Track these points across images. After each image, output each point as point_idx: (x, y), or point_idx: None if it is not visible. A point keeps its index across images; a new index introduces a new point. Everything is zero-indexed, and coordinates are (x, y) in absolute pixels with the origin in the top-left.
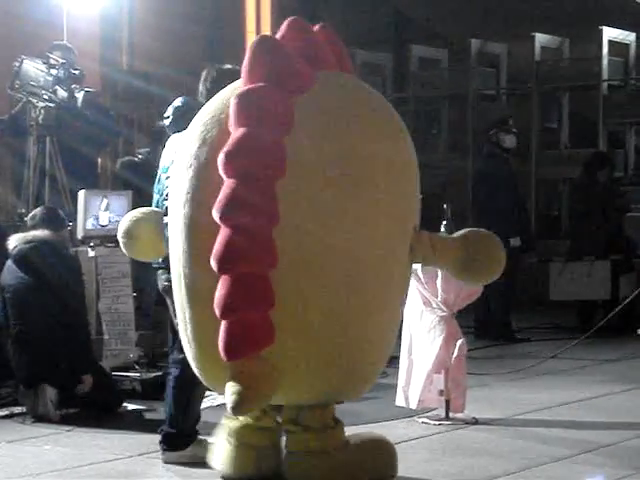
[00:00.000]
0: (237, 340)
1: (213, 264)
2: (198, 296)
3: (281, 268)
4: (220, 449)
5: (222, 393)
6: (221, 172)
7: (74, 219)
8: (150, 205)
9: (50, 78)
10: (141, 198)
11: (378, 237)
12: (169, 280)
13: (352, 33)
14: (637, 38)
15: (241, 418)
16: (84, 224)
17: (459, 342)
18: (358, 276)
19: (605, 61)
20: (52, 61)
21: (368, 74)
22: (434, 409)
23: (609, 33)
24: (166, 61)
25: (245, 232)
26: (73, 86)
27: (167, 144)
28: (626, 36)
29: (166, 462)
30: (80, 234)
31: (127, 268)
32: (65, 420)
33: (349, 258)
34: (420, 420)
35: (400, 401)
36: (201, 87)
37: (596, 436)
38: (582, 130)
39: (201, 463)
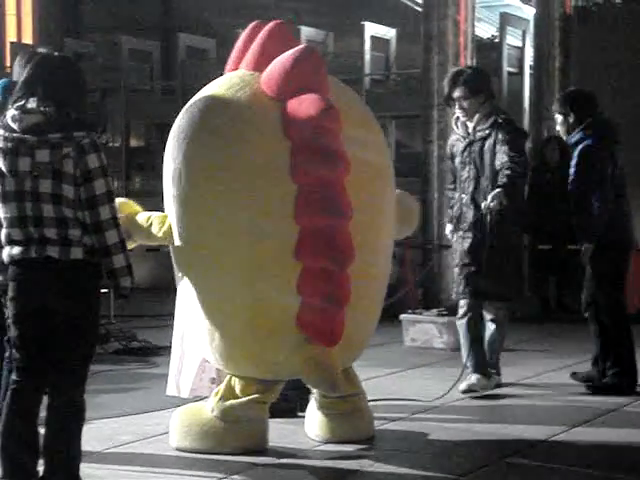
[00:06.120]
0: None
1: (334, 260)
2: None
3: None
4: (217, 427)
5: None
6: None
7: None
8: None
9: None
10: None
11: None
12: None
13: (118, 19)
14: (397, 34)
15: (240, 394)
16: None
17: None
18: (389, 247)
19: (367, 56)
20: None
21: (136, 61)
22: (206, 397)
23: (371, 29)
24: None
25: (335, 230)
26: None
27: None
28: (387, 32)
29: None
30: None
31: None
32: None
33: (387, 234)
34: None
35: (171, 390)
36: (18, 68)
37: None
38: None
39: None
